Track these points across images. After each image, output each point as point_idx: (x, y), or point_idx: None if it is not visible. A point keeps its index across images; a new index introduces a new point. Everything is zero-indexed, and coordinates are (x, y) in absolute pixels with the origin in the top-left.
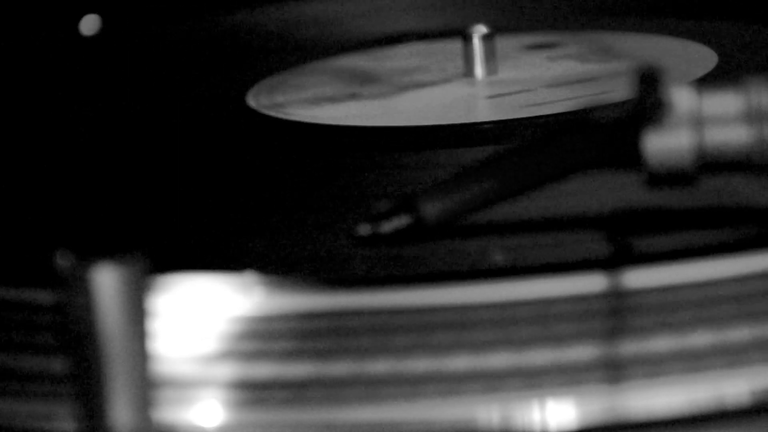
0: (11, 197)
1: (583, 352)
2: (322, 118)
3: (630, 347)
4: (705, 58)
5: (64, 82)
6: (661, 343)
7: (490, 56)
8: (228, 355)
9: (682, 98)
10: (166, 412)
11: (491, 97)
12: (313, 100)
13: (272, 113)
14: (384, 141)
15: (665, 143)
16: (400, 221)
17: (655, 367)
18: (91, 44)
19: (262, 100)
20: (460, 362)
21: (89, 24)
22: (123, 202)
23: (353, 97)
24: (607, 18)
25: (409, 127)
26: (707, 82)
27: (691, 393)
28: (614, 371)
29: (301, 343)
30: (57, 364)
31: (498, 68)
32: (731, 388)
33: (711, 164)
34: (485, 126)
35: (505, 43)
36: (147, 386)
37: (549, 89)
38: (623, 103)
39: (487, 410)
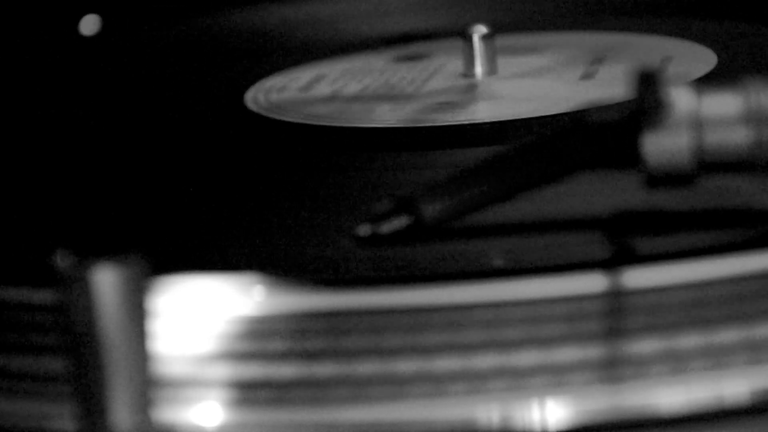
0: (11, 197)
1: (580, 352)
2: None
3: (628, 347)
4: (704, 59)
5: (64, 82)
6: (660, 343)
7: (490, 55)
8: (227, 355)
9: (681, 99)
10: (166, 412)
11: (582, 78)
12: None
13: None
14: (385, 141)
15: (664, 144)
16: (399, 222)
17: (653, 366)
18: (91, 44)
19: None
20: (452, 363)
21: (89, 24)
22: (123, 202)
23: (450, 105)
24: (607, 18)
25: (409, 127)
26: (706, 82)
27: (690, 393)
28: (612, 371)
29: (301, 344)
30: (57, 364)
31: (497, 67)
32: (729, 388)
33: (710, 165)
34: (485, 126)
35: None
36: (147, 386)
37: (603, 65)
38: (622, 103)
39: (483, 411)
